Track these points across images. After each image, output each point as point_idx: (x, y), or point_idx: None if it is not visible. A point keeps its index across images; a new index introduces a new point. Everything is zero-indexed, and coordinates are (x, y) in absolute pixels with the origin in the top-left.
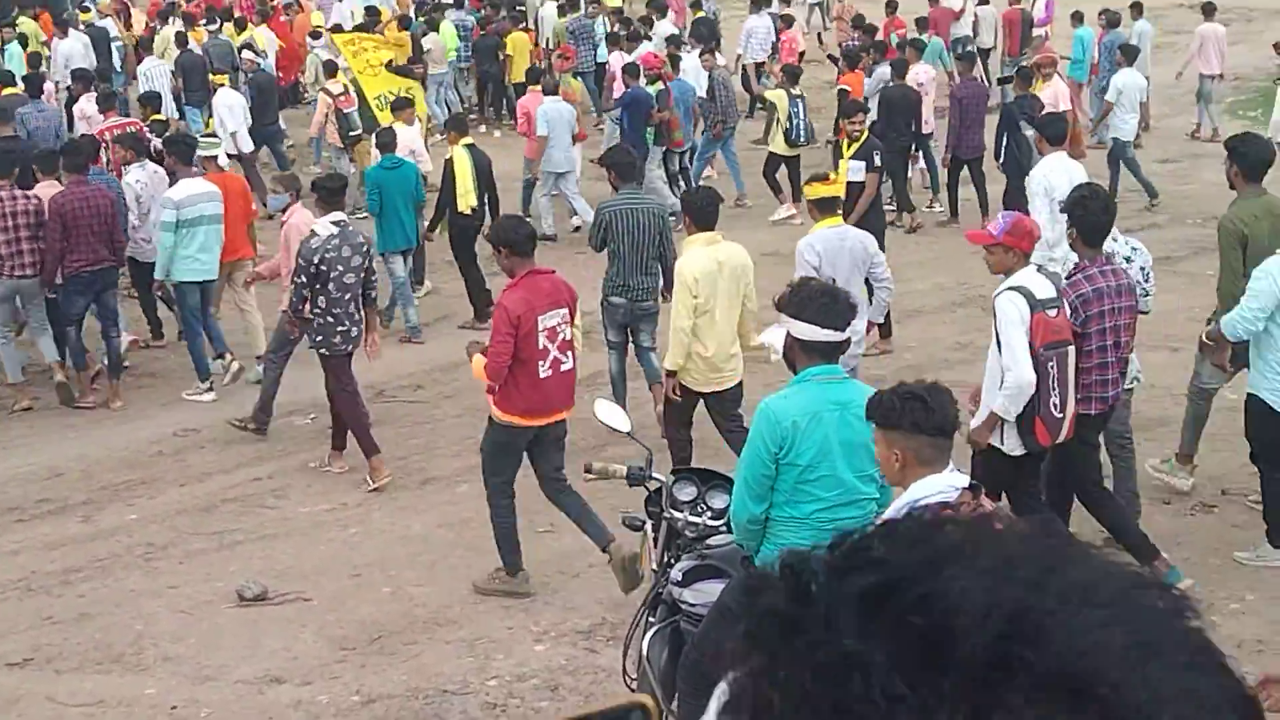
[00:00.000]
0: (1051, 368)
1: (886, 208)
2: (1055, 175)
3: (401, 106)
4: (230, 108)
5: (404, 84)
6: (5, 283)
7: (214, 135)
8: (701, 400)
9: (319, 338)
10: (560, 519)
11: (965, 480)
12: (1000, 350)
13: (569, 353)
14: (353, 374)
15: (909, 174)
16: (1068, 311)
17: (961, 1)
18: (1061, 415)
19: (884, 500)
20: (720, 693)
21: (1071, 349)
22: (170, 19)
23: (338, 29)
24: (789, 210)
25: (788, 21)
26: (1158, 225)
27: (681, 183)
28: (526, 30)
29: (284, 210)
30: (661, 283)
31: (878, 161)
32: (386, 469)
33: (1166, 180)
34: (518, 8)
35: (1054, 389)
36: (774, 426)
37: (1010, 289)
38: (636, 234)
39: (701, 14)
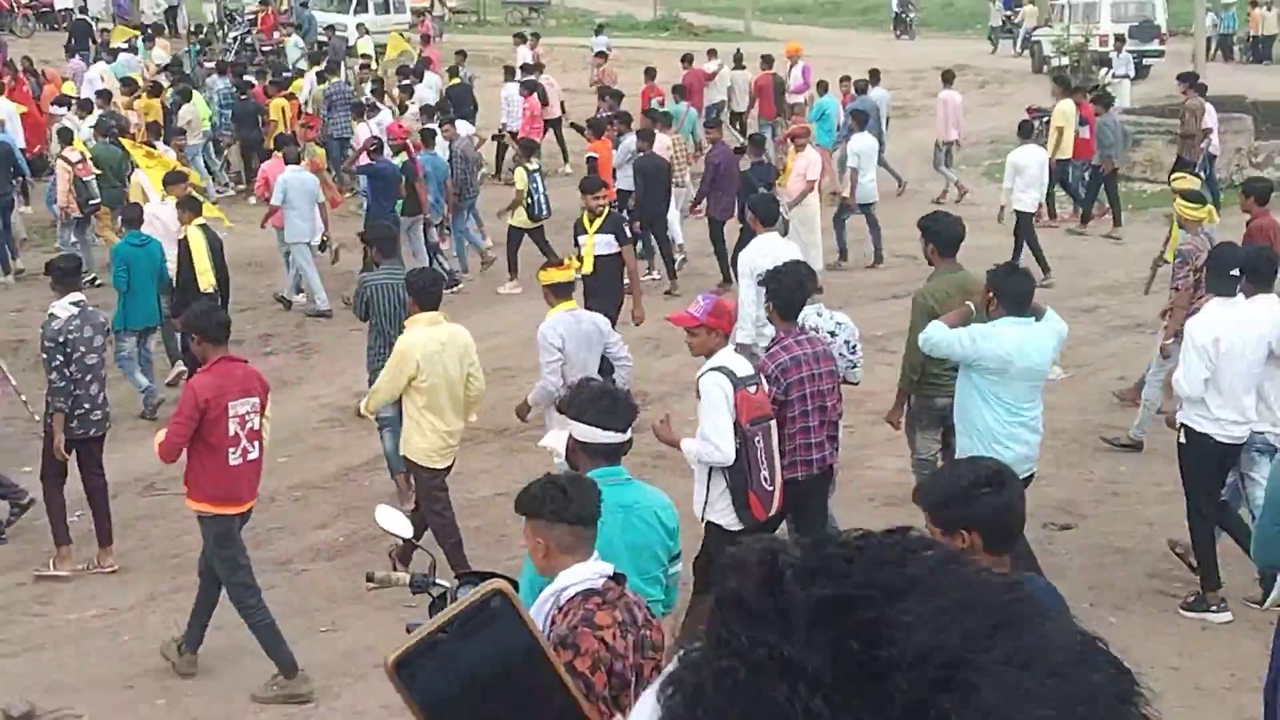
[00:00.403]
0: (758, 442)
1: (654, 278)
2: (761, 258)
3: (174, 181)
4: None
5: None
6: None
7: None
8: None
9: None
10: (340, 617)
11: (610, 569)
12: (703, 428)
13: (256, 442)
14: (69, 460)
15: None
16: (765, 385)
17: (715, 65)
18: (772, 488)
19: (669, 600)
20: (669, 665)
21: (774, 423)
22: None
23: (128, 136)
24: (517, 287)
25: (529, 88)
26: None
27: (436, 257)
28: (289, 97)
29: None
30: None
31: (628, 233)
32: (74, 563)
33: None
34: (283, 74)
35: (763, 462)
36: None
37: (713, 369)
38: (398, 308)
39: (456, 81)
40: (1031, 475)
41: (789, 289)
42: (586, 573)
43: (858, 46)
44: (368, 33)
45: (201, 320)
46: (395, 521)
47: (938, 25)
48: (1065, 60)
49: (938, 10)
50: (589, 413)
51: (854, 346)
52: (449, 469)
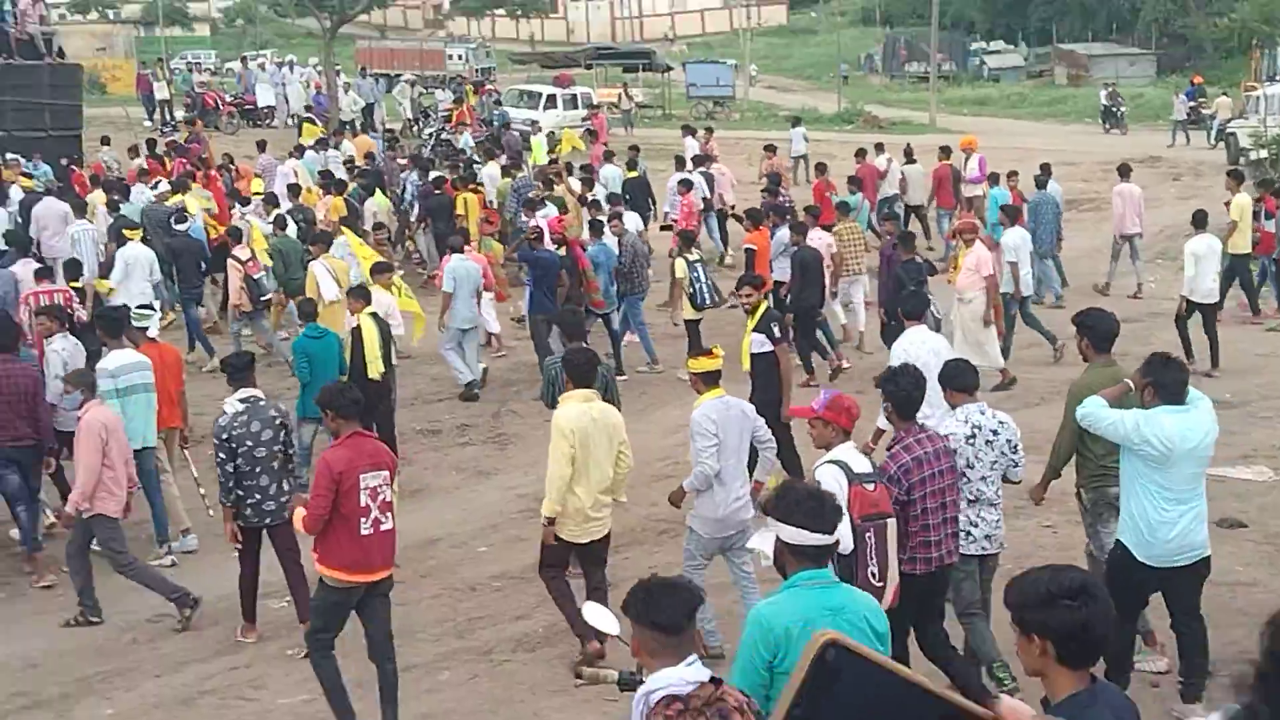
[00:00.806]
0: (869, 538)
1: (845, 367)
2: (915, 348)
3: (381, 270)
4: (127, 262)
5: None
6: None
7: (149, 307)
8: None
9: (234, 510)
10: (542, 710)
11: (706, 674)
12: None
13: (389, 513)
14: (261, 545)
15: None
16: (886, 485)
17: (884, 161)
18: (881, 584)
19: None
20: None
21: (891, 521)
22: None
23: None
24: None
25: (686, 186)
26: None
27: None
28: (476, 190)
29: (80, 407)
30: None
31: (777, 332)
32: (255, 637)
33: (1128, 341)
34: (472, 167)
35: (871, 559)
36: (766, 634)
37: (829, 462)
38: None
39: (634, 174)
40: (1205, 559)
41: (905, 389)
42: (673, 677)
43: (1051, 139)
44: (540, 130)
45: (335, 397)
46: (603, 619)
47: (1129, 119)
48: (1264, 153)
49: (1128, 103)
50: (796, 514)
51: (1015, 446)
52: (578, 546)
